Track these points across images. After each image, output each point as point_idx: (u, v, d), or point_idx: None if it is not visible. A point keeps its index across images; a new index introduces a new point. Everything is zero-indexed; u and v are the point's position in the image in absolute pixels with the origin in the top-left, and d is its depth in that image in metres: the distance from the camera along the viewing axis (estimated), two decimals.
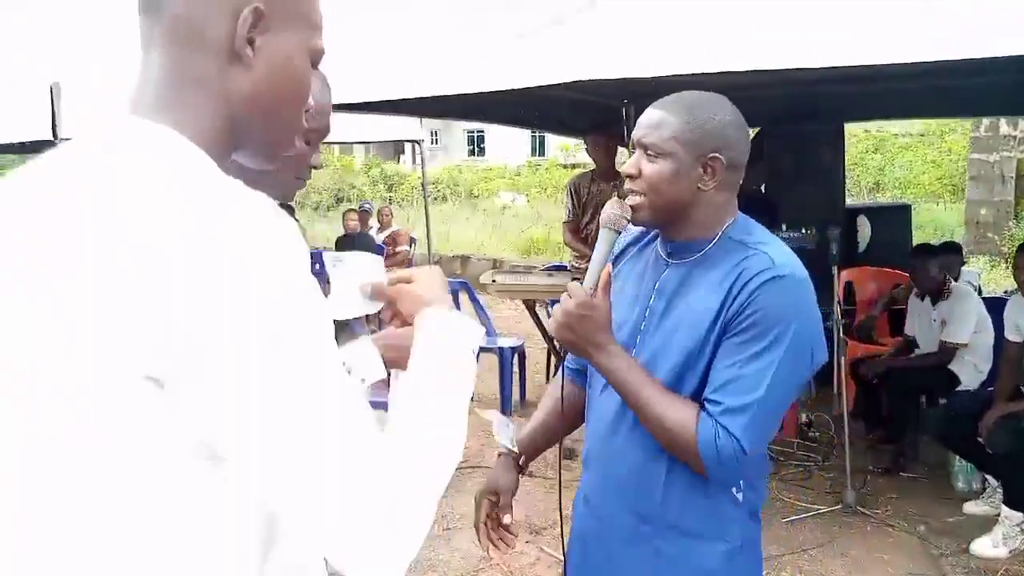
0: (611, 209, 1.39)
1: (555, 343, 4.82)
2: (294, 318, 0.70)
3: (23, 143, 5.92)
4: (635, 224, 1.42)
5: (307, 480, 0.71)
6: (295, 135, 0.90)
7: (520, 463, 1.63)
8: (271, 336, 0.68)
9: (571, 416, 1.63)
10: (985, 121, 9.62)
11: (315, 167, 1.40)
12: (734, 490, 1.38)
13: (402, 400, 0.87)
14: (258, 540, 0.77)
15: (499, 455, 1.62)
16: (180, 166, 0.74)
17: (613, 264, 1.54)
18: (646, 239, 1.55)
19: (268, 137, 0.86)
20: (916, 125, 18.20)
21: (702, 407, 1.30)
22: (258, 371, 0.68)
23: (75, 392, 0.68)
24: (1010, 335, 3.71)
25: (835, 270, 4.17)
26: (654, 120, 1.37)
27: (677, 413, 1.30)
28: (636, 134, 1.39)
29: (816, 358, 1.34)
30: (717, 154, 1.34)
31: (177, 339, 0.66)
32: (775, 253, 1.33)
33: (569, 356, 1.68)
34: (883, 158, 17.43)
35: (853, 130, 18.25)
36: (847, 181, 16.16)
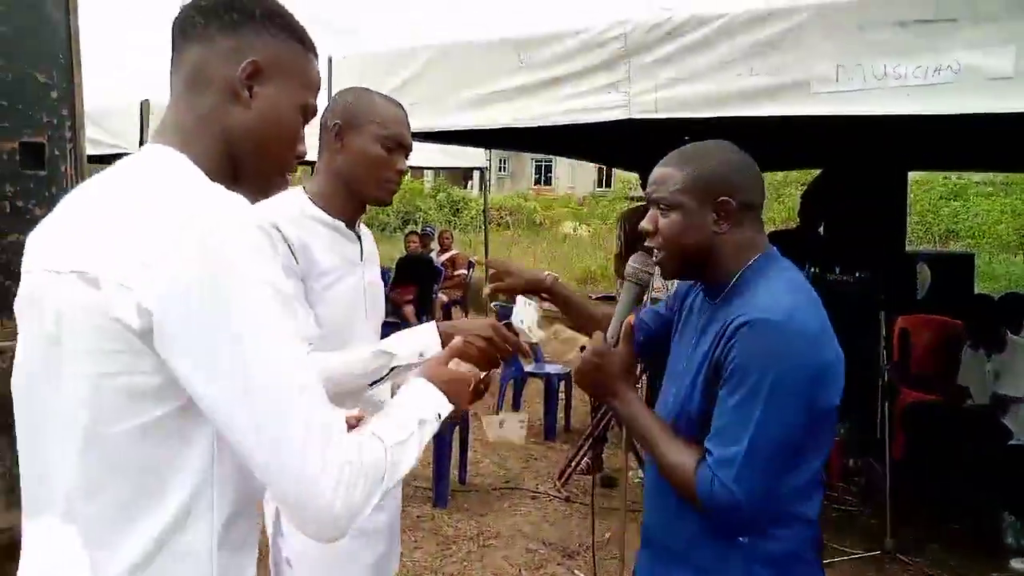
0: (635, 262, 1.50)
1: None
2: (252, 278, 0.89)
3: (114, 155, 6.36)
4: (665, 277, 1.53)
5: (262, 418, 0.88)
6: (283, 172, 1.10)
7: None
8: (239, 287, 0.88)
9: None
10: None
11: (400, 172, 1.74)
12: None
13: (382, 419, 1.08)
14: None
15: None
16: (174, 169, 0.96)
17: (683, 305, 1.62)
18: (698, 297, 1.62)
19: (261, 170, 1.06)
20: (999, 174, 17.70)
21: (704, 453, 1.34)
22: (221, 312, 0.87)
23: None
24: None
25: (883, 315, 4.14)
26: (659, 176, 1.45)
27: (677, 457, 1.36)
28: (647, 191, 1.48)
29: (818, 402, 1.33)
30: (726, 197, 1.40)
31: (161, 304, 0.85)
32: (764, 295, 1.36)
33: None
34: (959, 205, 16.99)
35: (930, 177, 17.89)
36: (917, 227, 15.80)
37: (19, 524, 1.01)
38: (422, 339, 1.55)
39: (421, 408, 1.14)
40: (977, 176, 18.12)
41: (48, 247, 0.97)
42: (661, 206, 1.43)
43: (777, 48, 2.48)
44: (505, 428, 5.40)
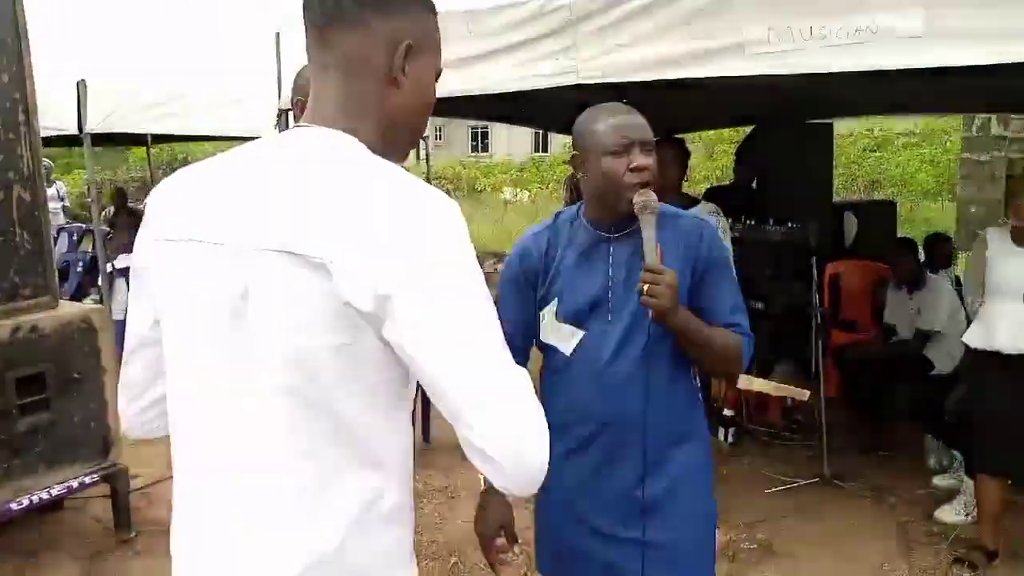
0: (643, 198, 1.66)
1: None
2: (469, 259, 0.95)
3: (50, 137, 6.23)
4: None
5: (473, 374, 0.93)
6: (421, 136, 1.16)
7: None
8: (460, 268, 0.94)
9: None
10: (977, 121, 9.86)
11: None
12: (699, 393, 1.86)
13: None
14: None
15: (485, 488, 1.79)
16: (362, 153, 0.99)
17: (545, 258, 1.81)
18: (559, 229, 1.82)
19: (409, 139, 1.11)
20: (919, 125, 18.46)
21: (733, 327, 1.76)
22: (449, 293, 0.92)
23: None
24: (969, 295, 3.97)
25: (814, 262, 4.42)
26: (642, 124, 1.72)
27: (730, 339, 1.75)
28: (634, 135, 1.68)
29: None
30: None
31: (388, 269, 0.89)
32: (689, 213, 1.84)
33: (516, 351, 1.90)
34: (882, 156, 17.68)
35: (853, 128, 18.54)
36: (843, 178, 16.35)
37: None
38: None
39: None
40: (899, 127, 18.87)
41: (218, 220, 0.99)
42: (648, 147, 1.70)
43: (713, 14, 2.65)
44: None
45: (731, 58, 2.67)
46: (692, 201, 4.06)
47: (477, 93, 3.08)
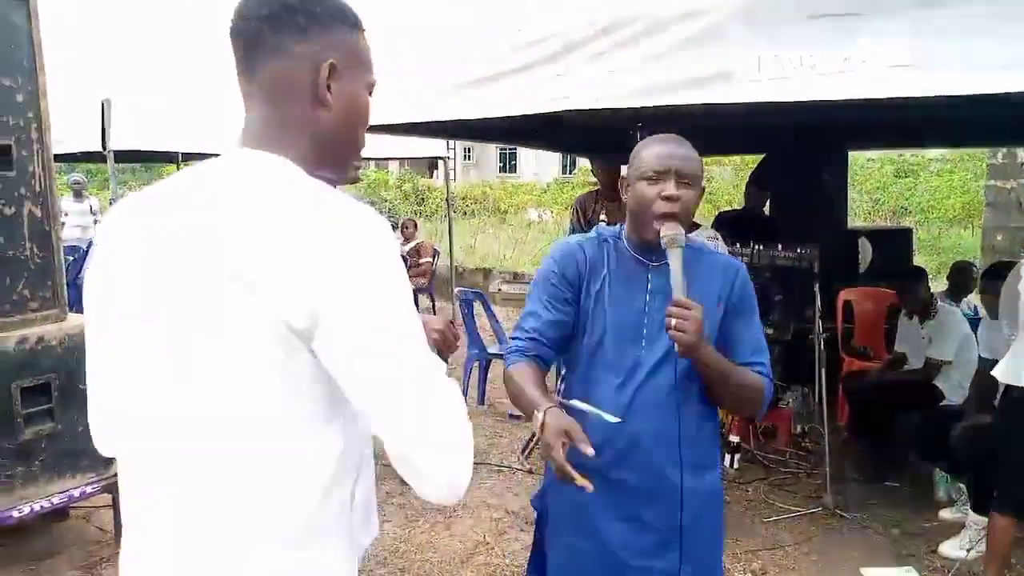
0: (671, 231, 1.68)
1: None
2: (393, 273, 0.97)
3: (75, 153, 6.41)
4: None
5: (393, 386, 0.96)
6: (360, 152, 1.17)
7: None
8: (384, 283, 0.96)
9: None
10: (1003, 148, 9.72)
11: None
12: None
13: None
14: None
15: (542, 411, 1.61)
16: (290, 174, 1.02)
17: (590, 269, 1.82)
18: (600, 247, 1.84)
19: (343, 156, 1.13)
20: (949, 151, 18.22)
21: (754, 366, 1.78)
22: (372, 309, 0.95)
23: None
24: (984, 353, 3.92)
25: (817, 288, 4.39)
26: (687, 155, 1.73)
27: (753, 379, 1.77)
28: (672, 164, 1.68)
29: None
30: (704, 185, 1.79)
31: (314, 290, 0.92)
32: (723, 253, 1.91)
33: (543, 333, 1.82)
34: (909, 182, 17.46)
35: (880, 155, 18.35)
36: (866, 204, 16.14)
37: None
38: None
39: None
40: (932, 153, 18.64)
41: (161, 247, 1.00)
42: (686, 180, 1.70)
43: (701, 43, 2.68)
44: None
45: (720, 86, 2.69)
46: (693, 226, 4.07)
47: (472, 117, 3.13)
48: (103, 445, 1.23)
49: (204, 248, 0.96)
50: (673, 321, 1.61)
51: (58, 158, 5.49)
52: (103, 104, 5.62)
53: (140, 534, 1.06)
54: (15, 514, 3.17)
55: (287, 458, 1.00)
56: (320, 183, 1.02)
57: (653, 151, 1.72)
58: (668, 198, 1.67)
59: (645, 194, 1.70)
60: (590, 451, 1.49)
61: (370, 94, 1.13)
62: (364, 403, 0.98)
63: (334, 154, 1.10)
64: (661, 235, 1.68)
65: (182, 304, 0.97)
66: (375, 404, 0.97)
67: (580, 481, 1.47)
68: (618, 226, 1.88)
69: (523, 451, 4.81)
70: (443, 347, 1.73)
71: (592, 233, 1.89)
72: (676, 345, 1.64)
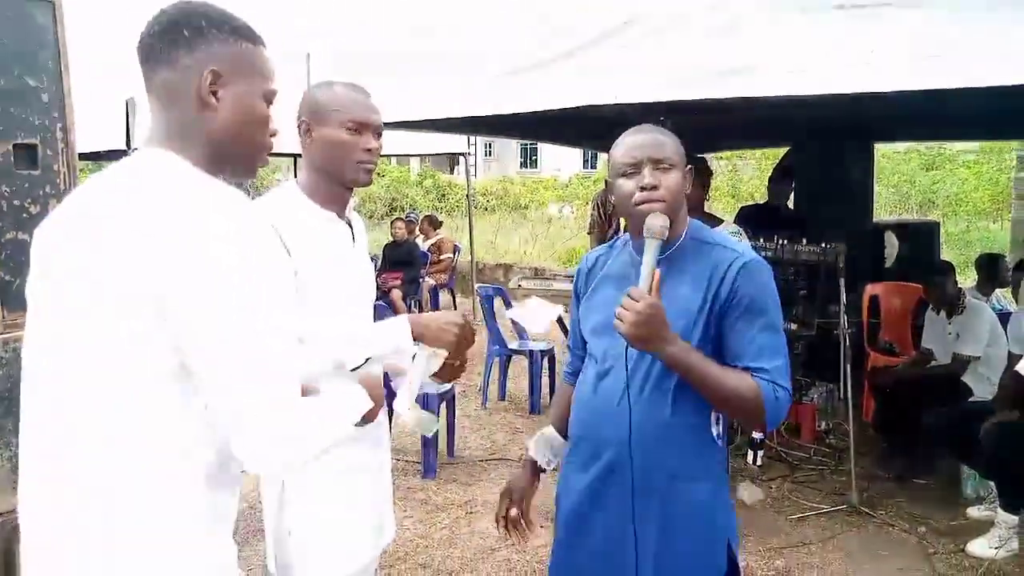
0: (655, 221, 1.62)
1: None
2: (241, 261, 1.07)
3: (100, 152, 6.48)
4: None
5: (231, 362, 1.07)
6: (264, 151, 1.27)
7: (539, 469, 1.95)
8: (231, 270, 1.06)
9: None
10: None
11: (371, 150, 1.83)
12: (715, 432, 1.70)
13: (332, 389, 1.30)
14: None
15: (523, 458, 1.90)
16: (176, 172, 1.16)
17: (587, 276, 1.85)
18: (613, 250, 1.85)
19: (241, 156, 1.24)
20: (980, 143, 17.92)
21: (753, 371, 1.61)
22: (217, 300, 1.06)
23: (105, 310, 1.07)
24: (1014, 348, 3.85)
25: (842, 283, 4.34)
26: (655, 141, 1.67)
27: (743, 383, 1.60)
28: (642, 153, 1.64)
29: None
30: (690, 166, 1.70)
31: (167, 282, 1.04)
32: (734, 245, 1.67)
33: (566, 362, 1.97)
34: (936, 175, 17.20)
35: (907, 147, 18.09)
36: (893, 197, 15.90)
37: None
38: (394, 334, 1.72)
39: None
40: (959, 145, 18.33)
41: (66, 239, 1.12)
42: (663, 165, 1.64)
43: (725, 34, 2.64)
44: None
45: (745, 78, 2.65)
46: (716, 221, 4.03)
47: (487, 114, 3.12)
48: None
49: (88, 241, 1.08)
50: (617, 310, 1.57)
51: (83, 157, 5.58)
52: (127, 103, 5.68)
53: (27, 518, 1.17)
54: None
55: (145, 444, 1.11)
56: (203, 178, 1.17)
57: (622, 146, 1.68)
58: (644, 187, 1.63)
59: (624, 190, 1.66)
60: (513, 512, 1.92)
61: (268, 103, 1.25)
62: (201, 369, 1.08)
63: (231, 153, 1.22)
64: (645, 224, 1.62)
65: (66, 301, 1.10)
66: (212, 368, 1.07)
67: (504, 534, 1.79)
68: None
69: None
70: (461, 342, 1.74)
71: (620, 238, 1.89)
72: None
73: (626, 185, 1.66)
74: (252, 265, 1.09)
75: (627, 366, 1.68)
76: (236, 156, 1.24)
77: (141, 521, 1.10)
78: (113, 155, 6.47)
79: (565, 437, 1.91)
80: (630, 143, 1.68)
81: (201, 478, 1.15)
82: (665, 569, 1.68)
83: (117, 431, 1.09)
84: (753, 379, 1.59)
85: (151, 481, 1.11)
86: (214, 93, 1.18)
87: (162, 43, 1.17)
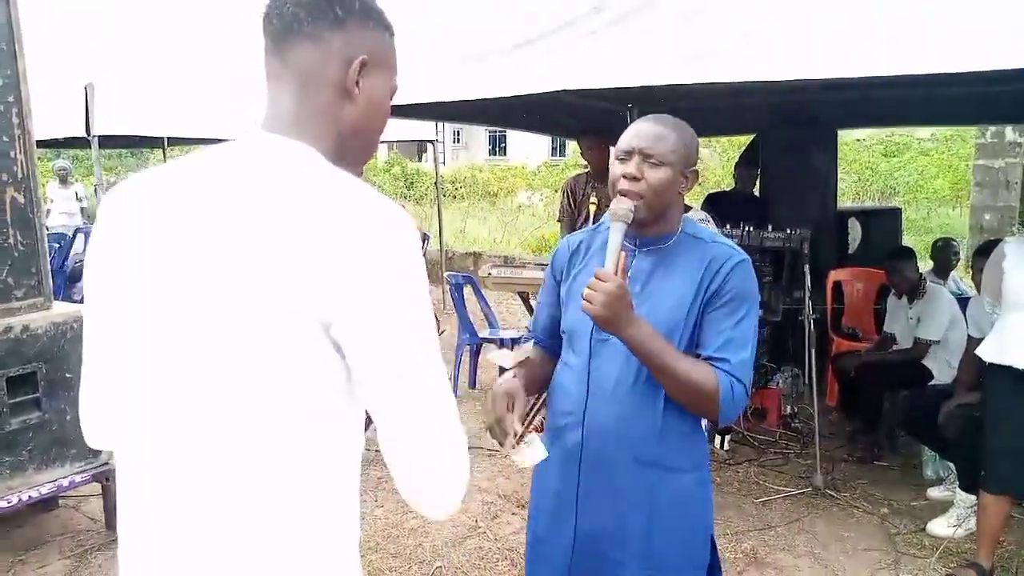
0: (620, 205, 1.64)
1: None
2: (418, 283, 0.96)
3: (59, 139, 6.33)
4: (634, 220, 1.64)
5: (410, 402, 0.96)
6: (374, 152, 1.19)
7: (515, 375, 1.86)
8: (405, 292, 0.95)
9: (542, 380, 1.90)
10: (991, 127, 9.74)
11: None
12: (703, 424, 1.74)
13: None
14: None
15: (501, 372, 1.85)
16: (322, 169, 1.01)
17: (570, 260, 1.84)
18: (596, 237, 1.83)
19: (361, 152, 1.13)
20: (938, 130, 18.25)
21: (714, 363, 1.61)
22: (394, 316, 0.94)
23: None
24: (972, 332, 3.93)
25: (807, 269, 4.40)
26: (656, 133, 1.65)
27: (700, 372, 1.59)
28: (636, 143, 1.64)
29: None
30: (694, 168, 1.69)
31: (339, 290, 0.91)
32: (731, 243, 1.71)
33: (538, 328, 1.95)
34: (897, 162, 17.49)
35: (868, 134, 18.37)
36: (855, 184, 16.16)
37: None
38: None
39: None
40: (919, 132, 18.65)
41: (188, 237, 0.98)
42: (652, 160, 1.62)
43: (689, 20, 2.65)
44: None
45: (708, 64, 2.66)
46: (684, 208, 4.05)
47: (453, 99, 3.09)
48: (96, 437, 1.20)
49: (237, 240, 0.94)
50: (585, 291, 1.58)
51: (41, 144, 5.46)
52: (87, 88, 5.55)
53: (146, 528, 1.04)
54: (3, 504, 3.15)
55: (312, 455, 0.99)
56: (348, 175, 1.01)
57: (627, 130, 1.69)
58: (625, 176, 1.64)
59: (613, 173, 1.68)
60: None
61: (391, 98, 1.15)
62: (379, 405, 0.97)
63: (354, 150, 1.11)
64: (610, 208, 1.64)
65: (212, 296, 0.95)
66: (393, 409, 0.96)
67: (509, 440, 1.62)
68: None
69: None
70: None
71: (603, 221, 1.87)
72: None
73: (615, 169, 1.68)
74: (425, 290, 0.97)
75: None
76: (355, 151, 1.11)
77: (301, 528, 1.00)
78: (73, 142, 6.31)
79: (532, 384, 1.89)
80: (633, 130, 1.68)
81: (354, 495, 1.06)
82: (653, 557, 1.70)
83: (277, 438, 0.97)
84: (712, 371, 1.60)
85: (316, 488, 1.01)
86: (357, 83, 1.06)
87: (310, 15, 1.03)
